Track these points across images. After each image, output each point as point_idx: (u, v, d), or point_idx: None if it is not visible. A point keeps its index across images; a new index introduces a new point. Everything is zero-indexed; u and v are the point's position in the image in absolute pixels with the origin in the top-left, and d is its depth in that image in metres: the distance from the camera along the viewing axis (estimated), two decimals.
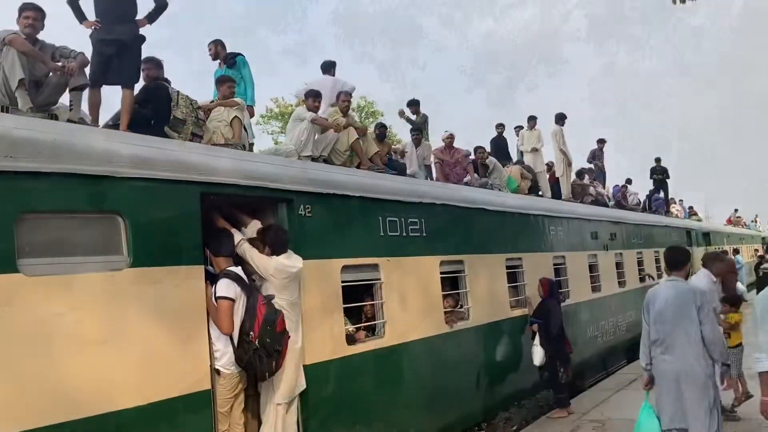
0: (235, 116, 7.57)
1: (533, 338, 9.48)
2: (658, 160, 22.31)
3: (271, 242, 5.59)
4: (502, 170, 13.09)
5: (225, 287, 5.05)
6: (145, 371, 4.51)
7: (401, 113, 12.68)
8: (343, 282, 6.38)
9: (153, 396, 4.55)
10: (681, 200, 29.23)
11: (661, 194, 22.90)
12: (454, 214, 8.48)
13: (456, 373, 8.07)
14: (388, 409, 6.83)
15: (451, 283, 8.55)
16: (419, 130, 11.56)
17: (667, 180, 23.15)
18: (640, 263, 16.04)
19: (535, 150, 15.21)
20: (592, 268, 12.98)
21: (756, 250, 39.76)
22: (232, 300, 5.04)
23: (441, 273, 7.99)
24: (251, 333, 5.00)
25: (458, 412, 8.07)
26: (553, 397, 9.79)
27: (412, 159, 11.03)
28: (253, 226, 5.71)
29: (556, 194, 14.96)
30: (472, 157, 12.69)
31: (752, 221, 49.11)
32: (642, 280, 15.93)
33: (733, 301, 8.40)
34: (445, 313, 8.04)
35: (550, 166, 16.31)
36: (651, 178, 22.51)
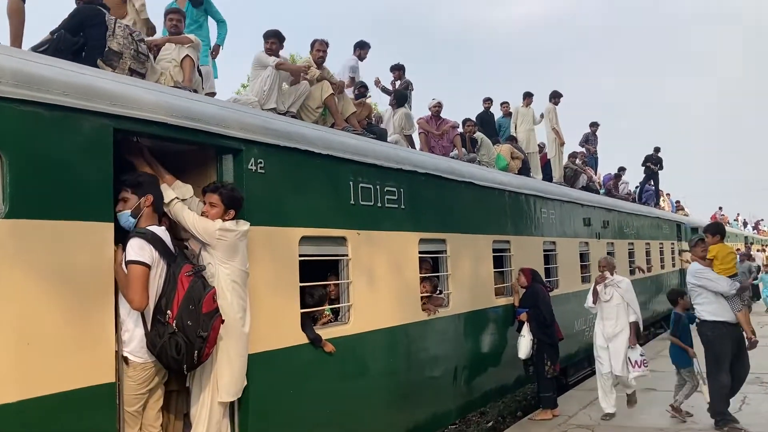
0: (187, 55, 6.40)
1: (519, 329, 8.53)
2: (657, 149, 21.31)
3: (229, 200, 4.48)
4: (491, 147, 12.06)
5: (137, 249, 3.90)
6: (26, 357, 3.39)
7: (377, 82, 11.45)
8: (301, 256, 5.28)
9: (35, 389, 3.44)
10: (668, 194, 28.54)
11: (652, 185, 22.04)
12: (438, 186, 7.40)
13: (431, 368, 7.03)
14: (350, 410, 5.77)
15: (431, 264, 7.50)
16: (402, 96, 10.41)
17: (659, 171, 22.28)
18: (630, 255, 15.13)
19: (530, 130, 14.33)
20: (583, 256, 12.02)
21: (738, 249, 39.40)
22: (147, 266, 3.91)
23: (420, 252, 6.92)
24: (168, 312, 3.87)
25: (431, 412, 7.05)
26: (538, 395, 8.85)
27: (389, 126, 9.89)
28: (179, 189, 4.54)
29: (547, 177, 13.98)
30: (460, 130, 11.61)
31: (734, 220, 48.86)
32: (632, 273, 15.03)
33: None
34: (422, 298, 6.99)
35: (541, 147, 15.39)
36: (643, 165, 21.55)
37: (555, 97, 14.71)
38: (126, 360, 3.93)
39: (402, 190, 6.65)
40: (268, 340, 4.86)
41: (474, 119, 12.14)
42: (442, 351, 7.23)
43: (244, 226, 4.51)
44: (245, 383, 4.53)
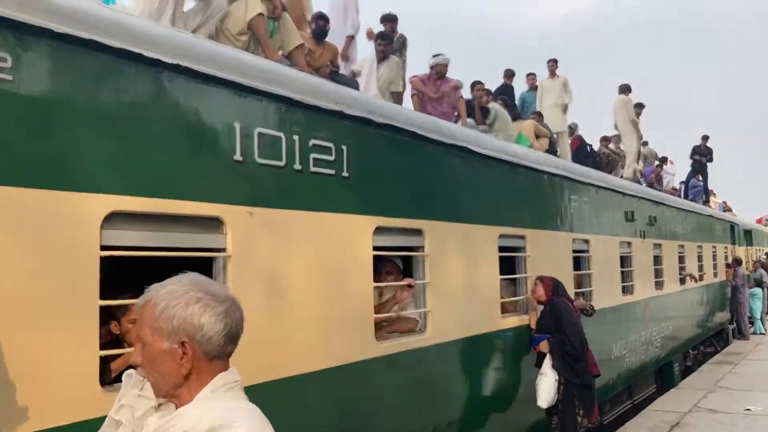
0: None
1: (538, 364, 6.01)
2: (705, 138, 18.57)
3: None
4: (509, 122, 9.52)
5: None
6: None
7: (370, 33, 8.83)
8: (106, 249, 2.80)
9: None
10: (714, 193, 25.64)
11: (701, 181, 19.23)
12: (412, 149, 4.87)
13: None
14: None
15: (398, 266, 5.00)
16: (389, 41, 7.86)
17: (707, 164, 19.46)
18: (681, 260, 12.37)
19: (557, 105, 11.87)
20: (624, 261, 9.36)
21: None
22: None
23: (375, 248, 4.40)
24: None
25: None
26: None
27: (371, 79, 7.36)
28: None
29: None
30: (468, 96, 9.07)
31: None
32: (682, 281, 12.30)
33: None
34: (378, 322, 4.48)
35: (572, 128, 12.89)
36: (691, 158, 18.76)
37: (626, 89, 13.17)
38: None
39: (345, 148, 4.13)
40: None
41: (483, 83, 9.54)
42: (408, 403, 4.69)
43: None
44: None
